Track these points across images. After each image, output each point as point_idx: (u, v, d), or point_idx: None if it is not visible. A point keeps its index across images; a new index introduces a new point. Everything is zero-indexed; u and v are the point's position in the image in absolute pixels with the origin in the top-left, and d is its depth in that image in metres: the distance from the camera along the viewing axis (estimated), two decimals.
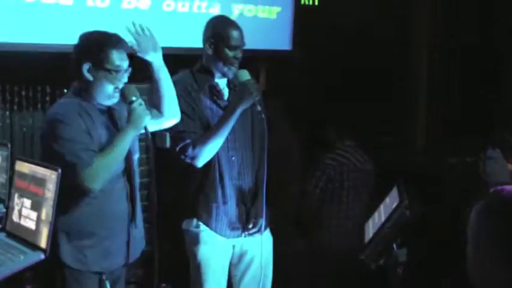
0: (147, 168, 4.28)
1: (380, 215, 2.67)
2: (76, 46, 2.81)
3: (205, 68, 3.27)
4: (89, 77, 2.74)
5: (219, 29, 3.22)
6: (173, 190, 3.47)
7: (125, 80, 2.81)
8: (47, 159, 2.67)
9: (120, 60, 2.76)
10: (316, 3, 5.02)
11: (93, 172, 2.64)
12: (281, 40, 4.65)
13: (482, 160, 2.44)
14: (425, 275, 3.85)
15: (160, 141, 3.87)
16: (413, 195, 2.54)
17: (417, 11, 5.53)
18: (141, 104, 2.77)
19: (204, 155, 3.15)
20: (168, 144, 4.27)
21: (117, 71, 2.75)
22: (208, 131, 3.16)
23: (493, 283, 1.58)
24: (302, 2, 4.89)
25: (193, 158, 3.16)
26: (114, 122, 2.86)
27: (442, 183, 4.10)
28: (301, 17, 4.74)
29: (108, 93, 2.77)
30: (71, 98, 2.82)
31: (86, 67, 2.73)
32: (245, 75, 3.17)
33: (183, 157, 3.16)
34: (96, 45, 2.75)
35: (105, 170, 2.69)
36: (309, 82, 5.00)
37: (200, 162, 3.17)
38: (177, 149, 3.13)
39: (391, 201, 2.63)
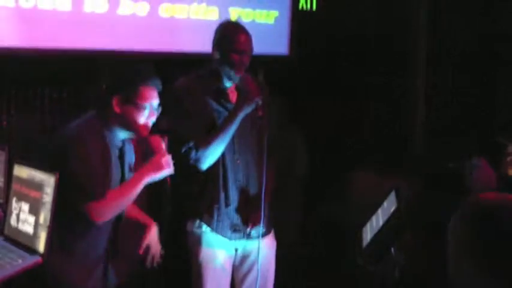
0: None
1: (378, 220, 2.67)
2: (109, 75, 2.83)
3: (213, 71, 3.29)
4: (117, 109, 2.71)
5: (227, 33, 3.25)
6: (176, 192, 3.49)
7: (153, 119, 2.78)
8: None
9: (151, 98, 2.73)
10: (314, 8, 5.03)
11: (104, 208, 2.65)
12: (278, 45, 4.65)
13: (467, 168, 2.45)
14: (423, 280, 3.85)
15: None
16: (411, 199, 2.54)
17: (416, 14, 5.54)
18: (165, 154, 2.77)
19: (207, 157, 3.18)
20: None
21: (146, 108, 2.72)
22: (211, 134, 3.18)
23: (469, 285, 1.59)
24: (300, 7, 4.90)
25: (196, 160, 3.18)
26: (122, 158, 2.84)
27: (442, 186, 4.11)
28: (299, 22, 4.75)
29: (136, 129, 2.75)
30: (93, 125, 2.75)
31: (115, 99, 2.71)
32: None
33: (187, 160, 3.17)
34: (129, 78, 2.72)
35: (114, 208, 2.71)
36: (306, 85, 5.01)
37: (204, 165, 3.20)
38: (182, 151, 3.15)
39: (388, 206, 2.64)
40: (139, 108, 2.71)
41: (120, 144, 2.82)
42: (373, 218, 2.75)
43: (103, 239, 2.84)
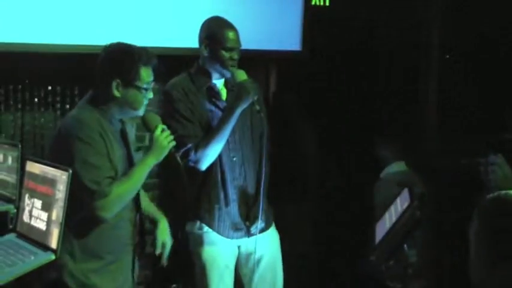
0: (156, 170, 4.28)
1: (391, 216, 2.67)
2: (105, 59, 2.73)
3: (202, 69, 3.26)
4: (117, 93, 2.69)
5: (214, 31, 3.21)
6: (177, 193, 3.48)
7: (151, 96, 2.78)
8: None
9: (149, 77, 2.73)
10: (327, 3, 5.01)
11: (109, 203, 2.61)
12: (291, 41, 4.63)
13: (483, 166, 2.42)
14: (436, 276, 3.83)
15: None
16: (424, 197, 2.53)
17: (428, 11, 5.51)
18: (163, 130, 2.75)
19: (207, 158, 3.15)
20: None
21: (147, 89, 2.72)
22: (208, 134, 3.15)
23: (489, 284, 1.58)
24: (313, 2, 4.88)
25: (196, 162, 3.15)
26: (126, 141, 2.83)
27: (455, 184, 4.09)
28: (312, 18, 4.73)
29: (134, 110, 2.74)
30: (90, 112, 2.73)
31: (115, 84, 2.68)
32: (242, 75, 3.17)
33: (185, 161, 3.13)
34: (127, 61, 2.69)
35: (120, 201, 2.66)
36: (318, 82, 4.99)
37: (204, 166, 3.17)
38: (180, 153, 3.08)
39: (401, 202, 2.63)
40: (140, 90, 2.71)
41: (119, 125, 2.81)
42: (386, 215, 2.75)
43: (127, 231, 2.82)
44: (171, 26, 4.11)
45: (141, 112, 2.77)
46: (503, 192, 1.65)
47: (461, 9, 5.47)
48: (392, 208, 2.71)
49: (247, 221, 3.29)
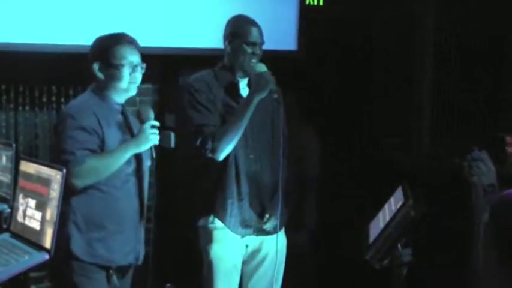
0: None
1: (385, 215, 2.67)
2: (89, 50, 2.91)
3: (226, 66, 3.32)
4: (100, 75, 2.86)
5: (237, 26, 3.30)
6: (186, 189, 3.49)
7: (139, 75, 2.90)
8: (52, 151, 2.77)
9: (126, 54, 2.85)
10: (321, 3, 5.01)
11: (81, 171, 2.72)
12: (286, 40, 4.64)
13: (467, 162, 2.44)
14: (430, 276, 3.84)
15: (165, 141, 3.87)
16: (418, 195, 2.54)
17: (422, 10, 5.51)
18: (152, 127, 2.86)
19: (224, 147, 3.16)
20: (173, 144, 4.28)
21: (123, 65, 2.84)
22: (225, 124, 3.18)
23: (496, 283, 1.59)
24: (307, 2, 4.88)
25: (213, 150, 3.16)
26: (127, 122, 2.94)
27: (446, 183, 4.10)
28: (306, 17, 4.73)
29: (121, 89, 2.88)
30: (88, 96, 2.92)
31: (96, 67, 2.86)
32: (261, 67, 3.23)
33: (203, 151, 3.16)
34: (103, 44, 2.87)
35: (93, 173, 2.77)
36: (313, 82, 5.00)
37: (221, 155, 3.18)
38: (197, 143, 3.15)
39: (395, 201, 2.63)
40: (118, 68, 2.84)
41: (119, 108, 2.93)
42: (380, 214, 2.75)
43: (132, 204, 2.93)
44: (169, 27, 4.13)
45: (131, 91, 2.92)
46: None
47: (457, 10, 5.48)
48: (386, 207, 2.71)
49: (261, 218, 3.30)
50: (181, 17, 4.18)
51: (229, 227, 3.26)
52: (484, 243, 1.63)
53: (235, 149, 3.21)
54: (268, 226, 3.32)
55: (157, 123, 2.89)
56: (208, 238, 3.29)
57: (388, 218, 2.60)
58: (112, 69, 2.84)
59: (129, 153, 2.83)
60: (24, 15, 3.70)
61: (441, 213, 3.57)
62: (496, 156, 2.59)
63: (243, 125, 3.17)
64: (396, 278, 2.58)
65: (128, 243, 2.93)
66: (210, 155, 3.17)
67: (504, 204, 1.65)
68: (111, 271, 2.88)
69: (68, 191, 2.62)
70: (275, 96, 3.20)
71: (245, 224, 3.29)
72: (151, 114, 2.88)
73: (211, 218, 3.27)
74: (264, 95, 3.16)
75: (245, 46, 3.24)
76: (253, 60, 3.25)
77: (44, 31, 3.76)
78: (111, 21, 3.83)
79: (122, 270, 2.95)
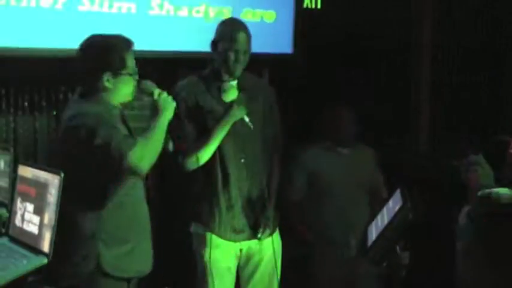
0: None
1: (383, 218, 2.67)
2: (89, 57, 2.79)
3: (213, 69, 3.30)
4: (109, 85, 2.77)
5: (224, 31, 3.26)
6: (178, 193, 3.49)
7: (137, 78, 2.86)
8: (73, 163, 2.68)
9: (133, 61, 2.81)
10: (319, 6, 5.01)
11: (140, 151, 2.62)
12: (282, 43, 4.64)
13: (464, 165, 2.45)
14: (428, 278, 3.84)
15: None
16: (416, 198, 2.54)
17: (419, 12, 5.52)
18: (161, 93, 2.83)
19: (193, 164, 3.19)
20: (171, 148, 4.28)
21: (135, 73, 2.81)
22: (199, 141, 3.19)
23: (481, 285, 1.59)
24: (305, 5, 4.88)
25: (182, 166, 3.20)
26: (126, 124, 2.90)
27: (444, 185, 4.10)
28: (303, 20, 4.73)
29: (127, 95, 2.84)
30: (88, 103, 2.78)
31: (105, 77, 2.75)
32: (232, 94, 3.22)
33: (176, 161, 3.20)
34: (112, 55, 2.76)
35: (149, 151, 2.68)
36: (311, 83, 5.00)
37: (186, 169, 3.21)
38: (172, 151, 3.14)
39: (394, 204, 2.63)
40: (129, 76, 2.79)
41: (117, 111, 2.86)
42: (379, 216, 2.75)
43: (145, 214, 2.90)
44: (165, 30, 4.12)
45: (133, 96, 2.88)
46: (494, 191, 1.65)
47: (454, 10, 5.49)
48: (384, 209, 2.71)
49: (253, 225, 3.30)
50: (170, 20, 4.17)
51: (220, 235, 3.26)
52: (464, 245, 1.63)
53: (224, 154, 3.22)
54: (260, 233, 3.32)
55: (163, 91, 2.85)
56: (201, 242, 3.29)
57: (386, 220, 2.60)
58: (123, 78, 2.78)
59: (165, 124, 2.76)
60: (24, 20, 3.70)
61: (439, 215, 3.57)
62: (502, 159, 2.59)
63: (215, 144, 3.17)
64: (395, 280, 2.58)
65: (145, 255, 2.90)
66: (180, 165, 3.21)
67: (483, 206, 1.65)
68: (132, 281, 2.85)
69: (90, 210, 2.66)
70: (249, 125, 3.17)
71: (238, 231, 3.29)
72: (153, 85, 2.86)
73: (200, 226, 3.29)
74: (239, 117, 3.16)
75: (229, 52, 3.20)
76: (238, 68, 3.22)
77: (43, 35, 3.76)
78: (111, 23, 3.84)
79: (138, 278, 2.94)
